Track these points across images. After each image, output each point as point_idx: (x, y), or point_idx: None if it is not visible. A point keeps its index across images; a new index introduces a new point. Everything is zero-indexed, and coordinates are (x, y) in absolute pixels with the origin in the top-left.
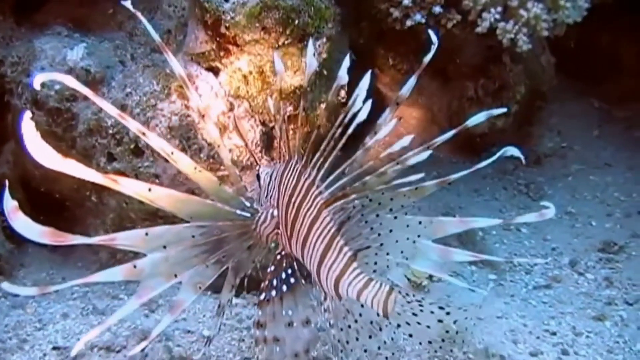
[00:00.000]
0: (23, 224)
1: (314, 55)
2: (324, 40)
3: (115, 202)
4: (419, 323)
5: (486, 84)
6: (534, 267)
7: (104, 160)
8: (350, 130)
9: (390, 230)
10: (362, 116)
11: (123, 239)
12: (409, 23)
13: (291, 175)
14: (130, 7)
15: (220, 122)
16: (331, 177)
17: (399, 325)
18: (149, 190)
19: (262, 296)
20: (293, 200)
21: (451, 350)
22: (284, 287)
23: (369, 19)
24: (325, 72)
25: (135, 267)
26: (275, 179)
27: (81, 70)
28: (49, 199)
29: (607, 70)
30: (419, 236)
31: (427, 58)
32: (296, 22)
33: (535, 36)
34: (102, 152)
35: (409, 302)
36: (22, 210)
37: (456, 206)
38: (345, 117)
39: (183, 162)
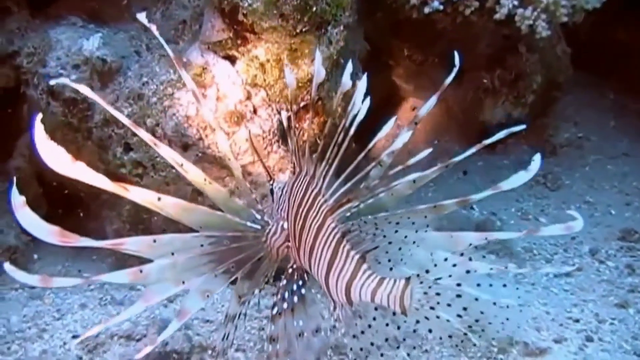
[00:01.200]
0: (30, 221)
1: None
2: (341, 28)
3: None
4: (438, 317)
5: (502, 74)
6: (553, 255)
7: (120, 151)
8: (352, 132)
9: (396, 231)
10: (361, 115)
11: (130, 244)
12: (426, 10)
13: (300, 186)
14: (145, 21)
15: (237, 111)
16: (336, 184)
17: (417, 322)
18: (159, 199)
19: (275, 310)
20: (300, 210)
21: None
22: (295, 299)
23: (384, 9)
24: (342, 61)
25: (141, 271)
26: (286, 192)
27: (97, 59)
28: (65, 192)
29: (621, 63)
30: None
31: (449, 79)
32: (314, 9)
33: (554, 22)
34: (119, 142)
35: (425, 294)
36: (37, 204)
37: None
38: (346, 122)
39: (193, 173)
